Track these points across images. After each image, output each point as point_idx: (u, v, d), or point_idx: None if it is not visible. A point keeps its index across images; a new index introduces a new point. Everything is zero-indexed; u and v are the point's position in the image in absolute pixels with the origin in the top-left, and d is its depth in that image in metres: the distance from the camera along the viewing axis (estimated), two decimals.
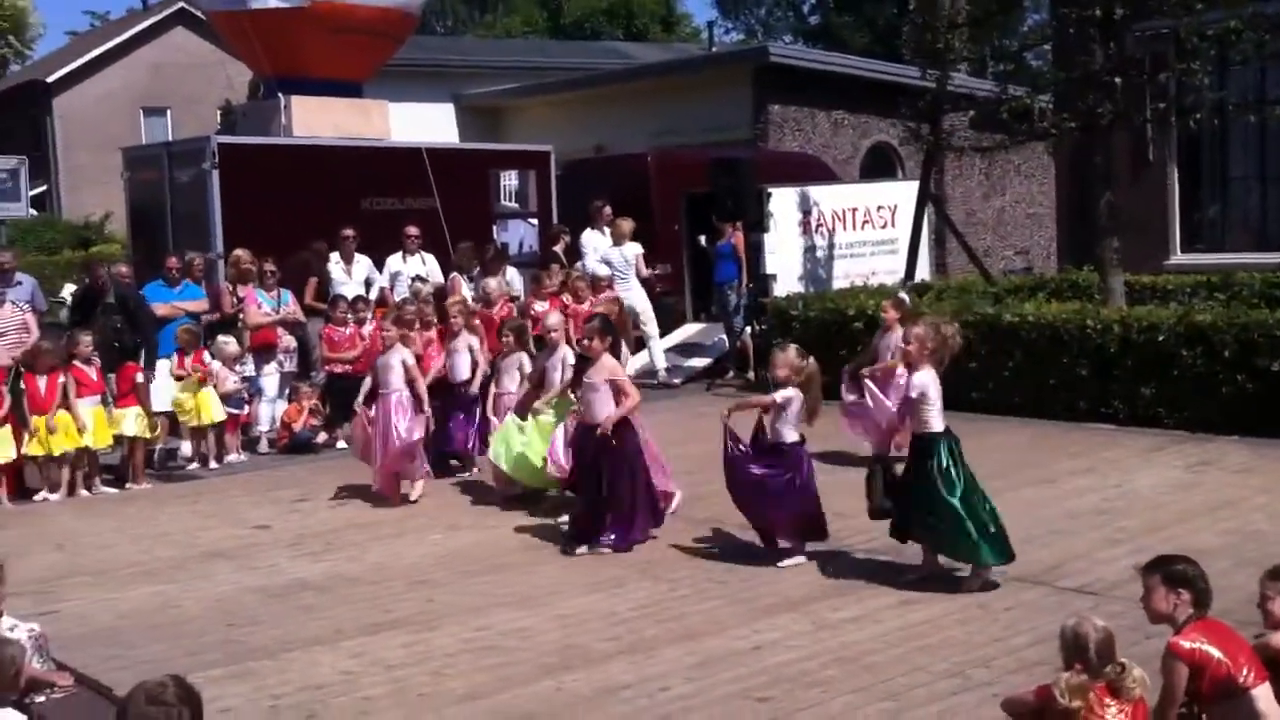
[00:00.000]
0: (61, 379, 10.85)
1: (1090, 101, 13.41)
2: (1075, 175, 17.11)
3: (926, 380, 7.30)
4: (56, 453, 10.77)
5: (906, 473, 7.52)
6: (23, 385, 10.86)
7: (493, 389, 10.41)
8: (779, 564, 7.87)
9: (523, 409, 9.65)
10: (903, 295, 11.61)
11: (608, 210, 15.91)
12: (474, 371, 10.84)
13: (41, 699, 6.06)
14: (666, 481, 9.09)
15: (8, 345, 11.51)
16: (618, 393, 8.48)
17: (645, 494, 8.57)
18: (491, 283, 13.09)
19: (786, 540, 7.98)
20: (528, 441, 9.39)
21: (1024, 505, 8.90)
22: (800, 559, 7.91)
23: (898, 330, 9.64)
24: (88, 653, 6.78)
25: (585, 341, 8.72)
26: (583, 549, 8.37)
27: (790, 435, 7.97)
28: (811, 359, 8.11)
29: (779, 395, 7.94)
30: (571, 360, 9.46)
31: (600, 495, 8.38)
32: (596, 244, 15.79)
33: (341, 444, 12.24)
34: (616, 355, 8.95)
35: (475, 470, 10.86)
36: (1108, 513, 8.82)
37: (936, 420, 7.32)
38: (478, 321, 11.57)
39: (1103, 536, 8.22)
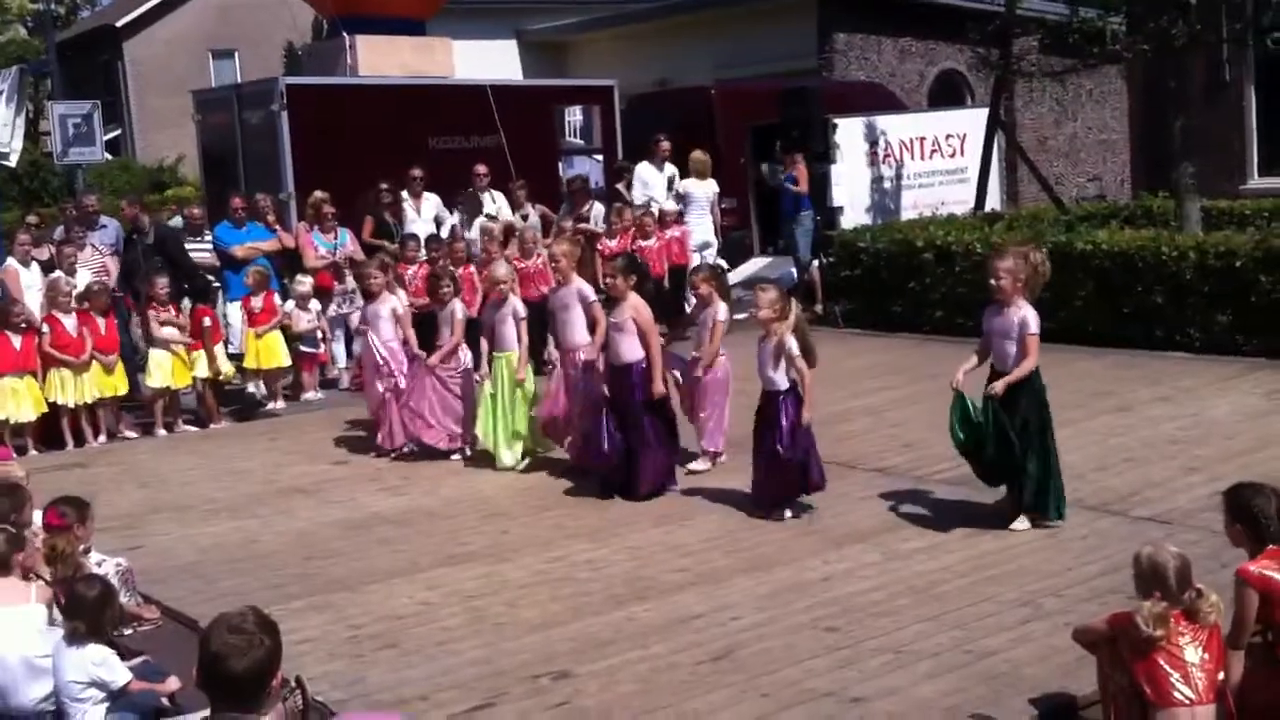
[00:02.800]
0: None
1: (1164, 22, 13.10)
2: (1149, 99, 16.78)
3: (1031, 314, 6.97)
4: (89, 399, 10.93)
5: (998, 413, 7.08)
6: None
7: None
8: (783, 517, 7.60)
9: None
10: (718, 262, 11.08)
11: (665, 145, 15.82)
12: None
13: (129, 631, 6.25)
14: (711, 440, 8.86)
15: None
16: (642, 334, 8.23)
17: (661, 443, 8.32)
18: (528, 232, 12.98)
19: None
20: (511, 415, 9.16)
21: (1098, 434, 8.86)
22: (789, 513, 7.62)
23: (717, 304, 8.83)
24: (172, 586, 6.99)
25: (609, 280, 8.49)
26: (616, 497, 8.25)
27: (782, 383, 7.59)
28: (794, 301, 7.73)
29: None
30: (523, 313, 9.24)
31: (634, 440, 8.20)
32: (648, 178, 15.74)
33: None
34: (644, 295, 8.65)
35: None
36: (1183, 441, 8.73)
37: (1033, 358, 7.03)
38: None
39: (1178, 465, 8.16)
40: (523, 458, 9.24)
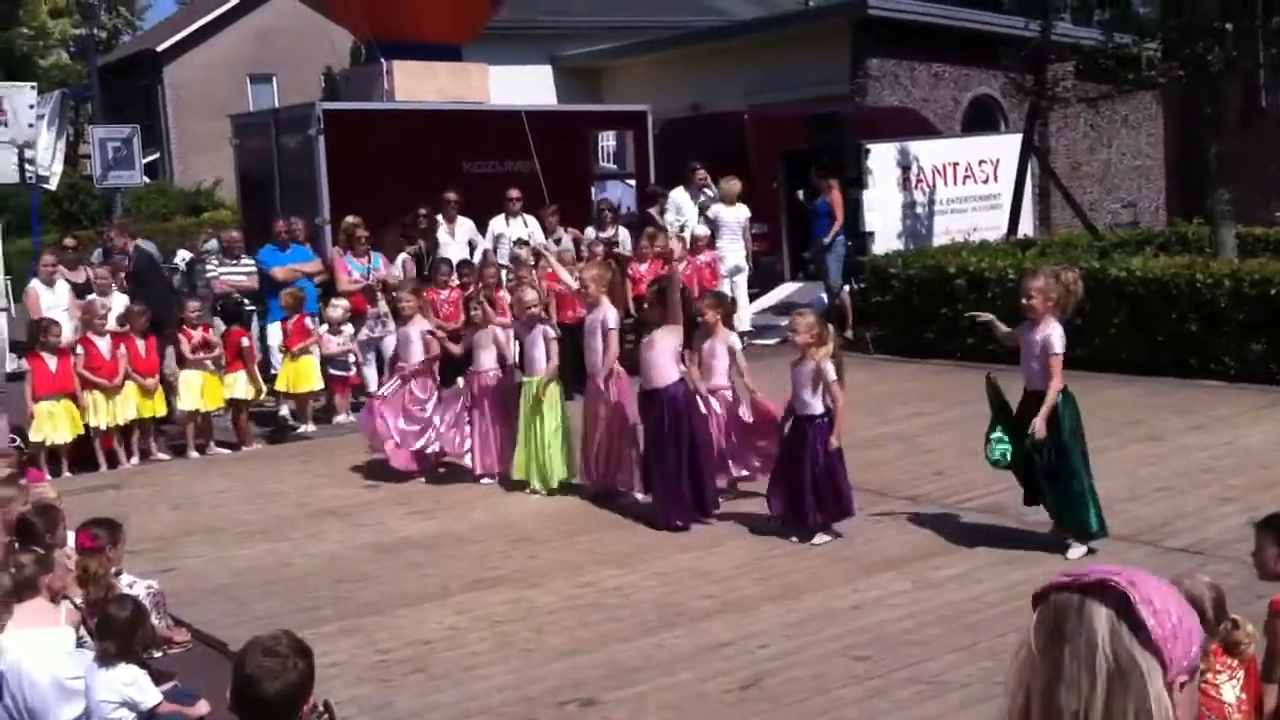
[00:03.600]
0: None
1: (1199, 48, 13.04)
2: (1184, 125, 16.70)
3: (1056, 334, 7.00)
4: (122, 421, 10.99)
5: (1031, 433, 7.14)
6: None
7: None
8: (812, 541, 7.60)
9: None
10: (725, 290, 11.03)
11: (701, 172, 15.88)
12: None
13: (159, 654, 6.28)
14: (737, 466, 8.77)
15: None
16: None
17: (683, 475, 8.19)
18: (565, 255, 12.98)
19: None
20: (546, 451, 9.15)
21: (1131, 463, 8.79)
22: (822, 538, 7.64)
23: (722, 333, 8.66)
24: (203, 609, 7.04)
25: (643, 308, 8.58)
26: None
27: (817, 407, 7.63)
28: (831, 326, 7.84)
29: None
30: (553, 335, 9.28)
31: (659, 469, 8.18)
32: (682, 203, 15.81)
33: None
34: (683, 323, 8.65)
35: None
36: (1216, 470, 8.65)
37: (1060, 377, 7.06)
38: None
39: (1211, 495, 8.08)
40: (549, 486, 9.22)
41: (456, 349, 10.21)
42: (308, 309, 12.32)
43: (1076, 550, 7.05)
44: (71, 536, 6.21)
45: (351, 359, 12.60)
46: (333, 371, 12.31)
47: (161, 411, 11.33)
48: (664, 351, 8.25)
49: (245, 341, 11.56)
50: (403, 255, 13.25)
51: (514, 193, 14.50)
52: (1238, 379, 11.39)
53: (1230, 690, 4.20)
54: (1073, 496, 7.08)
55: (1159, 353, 11.92)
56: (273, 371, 12.27)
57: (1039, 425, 6.98)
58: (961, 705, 5.25)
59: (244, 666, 3.31)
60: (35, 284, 11.93)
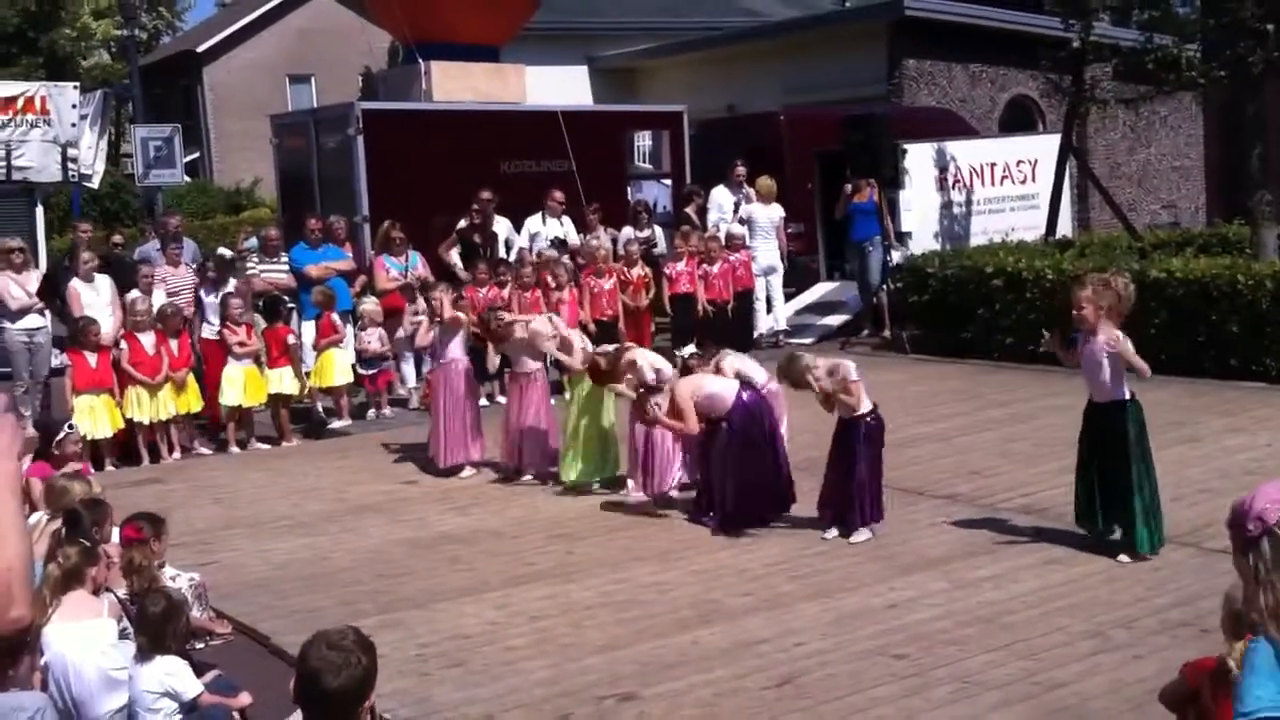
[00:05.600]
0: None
1: (1240, 49, 12.96)
2: (1225, 126, 16.57)
3: (1118, 338, 6.89)
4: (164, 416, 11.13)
5: (1097, 444, 7.15)
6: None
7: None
8: (850, 540, 7.62)
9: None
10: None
11: (741, 170, 15.92)
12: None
13: (201, 645, 6.37)
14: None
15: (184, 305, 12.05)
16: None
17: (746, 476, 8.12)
18: (600, 252, 13.07)
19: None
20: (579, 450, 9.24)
21: (1172, 464, 8.72)
22: (867, 533, 7.65)
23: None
24: (245, 602, 7.11)
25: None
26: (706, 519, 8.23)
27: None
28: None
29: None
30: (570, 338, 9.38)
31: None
32: (723, 201, 15.87)
33: (483, 400, 12.46)
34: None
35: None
36: (1258, 472, 8.57)
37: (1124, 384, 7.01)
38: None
39: None
40: (590, 481, 9.26)
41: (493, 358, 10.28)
42: (340, 307, 12.41)
43: (1126, 556, 6.98)
44: (115, 530, 6.29)
45: (387, 355, 12.65)
46: (362, 370, 12.39)
47: (199, 407, 11.43)
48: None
49: (291, 338, 11.66)
50: (418, 258, 13.25)
51: (558, 194, 14.53)
52: (1279, 380, 11.30)
53: None
54: (1129, 510, 6.99)
55: (1199, 354, 11.84)
56: (304, 369, 12.36)
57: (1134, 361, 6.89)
58: (998, 705, 5.24)
59: (308, 658, 3.35)
60: (75, 282, 12.07)
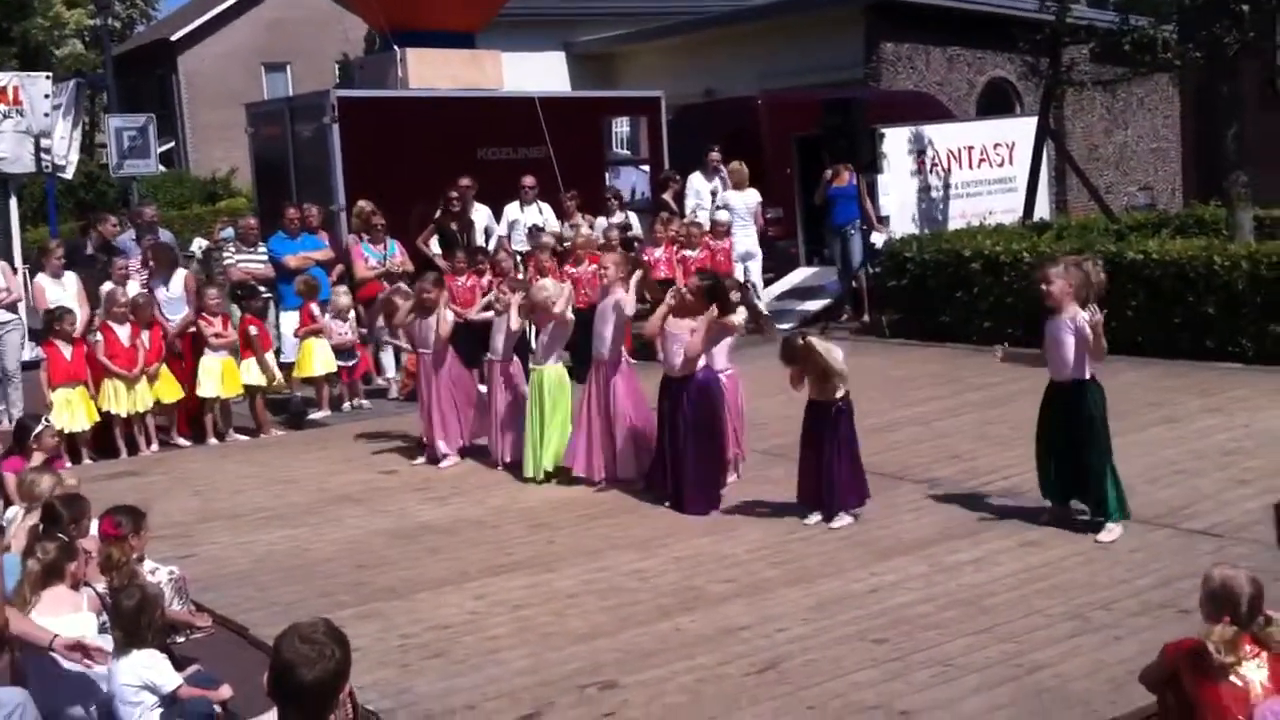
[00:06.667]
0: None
1: (1217, 30, 12.97)
2: (1201, 107, 16.63)
3: (1085, 319, 6.87)
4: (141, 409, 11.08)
5: (1059, 423, 7.20)
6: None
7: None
8: (831, 525, 7.62)
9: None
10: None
11: (716, 155, 15.91)
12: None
13: (181, 639, 6.35)
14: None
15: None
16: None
17: (710, 461, 8.23)
18: (579, 239, 13.03)
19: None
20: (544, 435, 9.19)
21: (1148, 445, 8.79)
22: (848, 518, 7.67)
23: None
24: (224, 594, 7.08)
25: (688, 294, 8.28)
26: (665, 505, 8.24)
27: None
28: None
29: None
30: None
31: (677, 451, 8.16)
32: (699, 187, 15.87)
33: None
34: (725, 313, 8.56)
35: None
36: (1235, 453, 8.64)
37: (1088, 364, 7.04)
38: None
39: (1229, 477, 8.07)
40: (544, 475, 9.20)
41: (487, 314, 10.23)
42: (320, 297, 12.36)
43: (1109, 533, 7.02)
44: (94, 523, 6.26)
45: (353, 346, 12.53)
46: (338, 362, 12.33)
47: (179, 396, 11.36)
48: (687, 339, 8.17)
49: (253, 330, 11.55)
50: (397, 245, 13.19)
51: (528, 180, 14.54)
52: (1255, 361, 11.37)
53: (1259, 672, 4.16)
54: (1096, 480, 7.07)
55: (1176, 335, 11.90)
56: (285, 359, 12.30)
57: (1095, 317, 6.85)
58: (979, 688, 5.26)
59: (281, 652, 3.34)
60: (41, 277, 11.99)
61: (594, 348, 8.99)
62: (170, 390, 11.29)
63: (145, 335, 11.15)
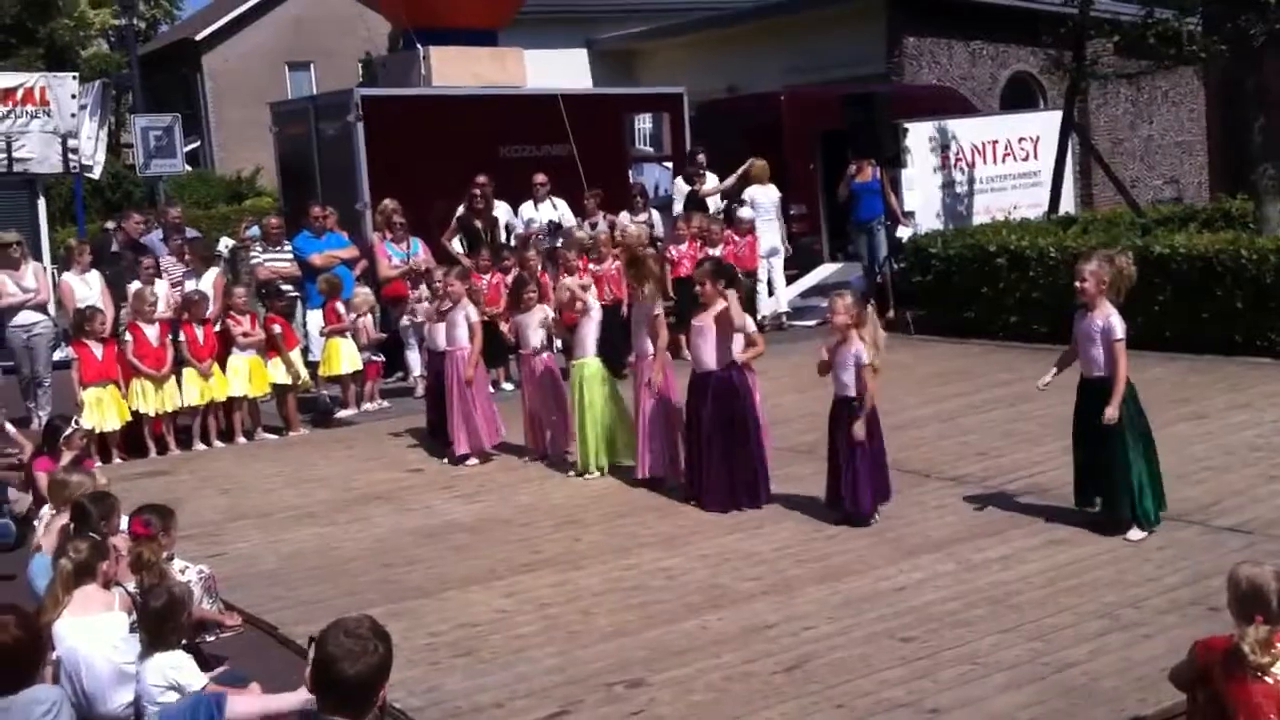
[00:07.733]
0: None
1: (1242, 22, 12.89)
2: (1227, 100, 16.50)
3: (1116, 318, 6.91)
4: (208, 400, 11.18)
5: (1087, 421, 7.12)
6: (183, 335, 11.25)
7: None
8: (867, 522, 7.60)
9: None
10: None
11: (701, 157, 15.86)
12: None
13: (211, 638, 6.39)
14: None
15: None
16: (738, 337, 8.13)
17: (734, 459, 8.15)
18: (601, 236, 13.01)
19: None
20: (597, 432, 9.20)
21: (1177, 441, 8.73)
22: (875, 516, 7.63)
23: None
24: (253, 593, 7.12)
25: (697, 286, 8.30)
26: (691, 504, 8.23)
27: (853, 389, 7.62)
28: (871, 308, 7.76)
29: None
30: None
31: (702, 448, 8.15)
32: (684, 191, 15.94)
33: (490, 388, 12.43)
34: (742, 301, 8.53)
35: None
36: (1264, 449, 8.59)
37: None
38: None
39: (1259, 473, 8.03)
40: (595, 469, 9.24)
41: (507, 331, 10.27)
42: (345, 295, 12.39)
43: (1137, 533, 6.98)
44: (124, 522, 6.31)
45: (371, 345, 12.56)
46: (364, 358, 12.36)
47: (222, 396, 11.37)
48: (713, 332, 8.15)
49: (276, 329, 11.59)
50: (420, 244, 13.21)
51: (540, 177, 14.54)
52: None
53: None
54: (1128, 485, 6.98)
55: (1204, 330, 11.82)
56: (311, 358, 12.35)
57: (1111, 414, 6.86)
58: (1008, 686, 5.25)
59: (325, 645, 3.38)
60: (68, 276, 12.08)
61: (636, 343, 9.00)
62: (221, 387, 11.30)
63: (199, 330, 11.20)
